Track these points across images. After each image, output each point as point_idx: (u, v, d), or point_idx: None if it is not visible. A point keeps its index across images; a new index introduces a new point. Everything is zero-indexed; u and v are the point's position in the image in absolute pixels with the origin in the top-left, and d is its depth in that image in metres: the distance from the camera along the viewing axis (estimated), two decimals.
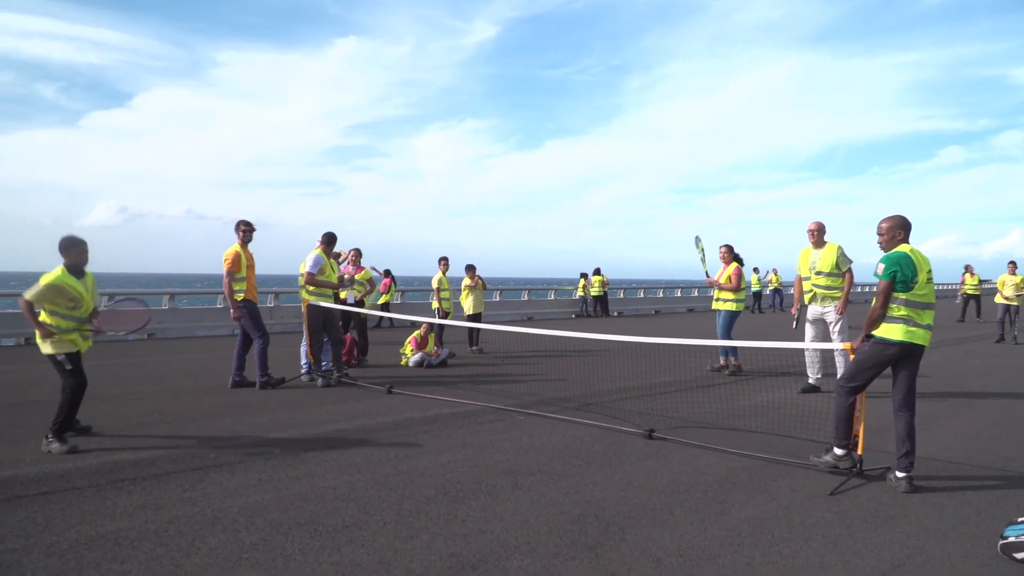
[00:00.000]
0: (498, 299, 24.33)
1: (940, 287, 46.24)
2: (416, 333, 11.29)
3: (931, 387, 8.97)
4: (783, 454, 5.71)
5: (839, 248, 8.39)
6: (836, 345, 7.52)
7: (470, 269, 13.75)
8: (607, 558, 3.70)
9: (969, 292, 22.66)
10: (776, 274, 31.15)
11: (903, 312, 4.92)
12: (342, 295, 10.80)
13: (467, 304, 13.68)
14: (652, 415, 7.31)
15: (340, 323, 9.93)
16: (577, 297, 26.61)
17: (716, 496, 4.74)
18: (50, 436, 5.60)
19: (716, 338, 10.35)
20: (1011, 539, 3.75)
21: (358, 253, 11.73)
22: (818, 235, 8.55)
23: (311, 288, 9.33)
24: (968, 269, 22.94)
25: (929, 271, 5.00)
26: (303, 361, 9.55)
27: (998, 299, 16.32)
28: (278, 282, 27.72)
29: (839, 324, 8.38)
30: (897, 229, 5.12)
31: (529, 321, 23.14)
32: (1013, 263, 16.15)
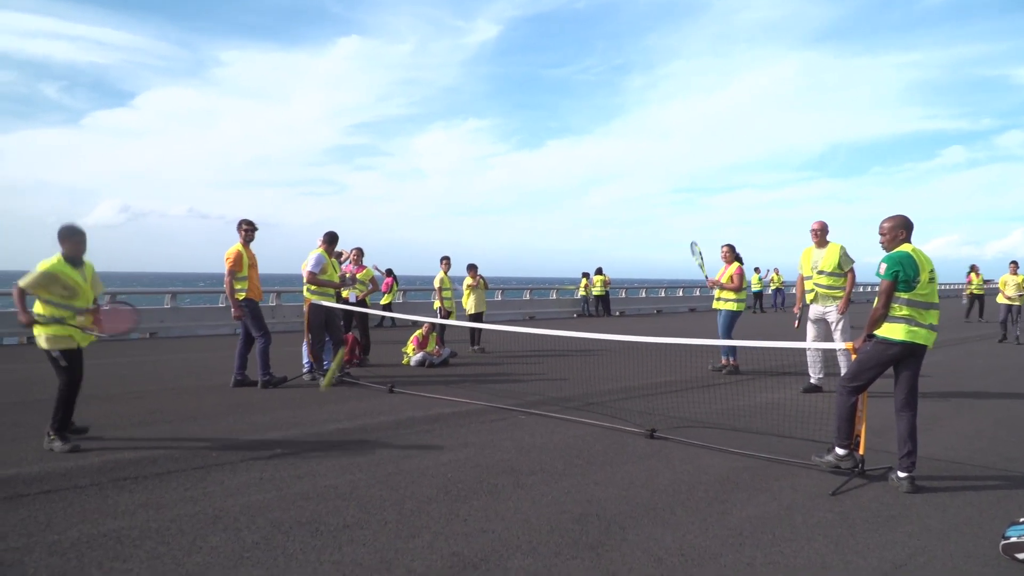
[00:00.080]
0: (500, 298, 24.33)
1: (943, 287, 46.18)
2: (418, 332, 11.29)
3: (933, 387, 8.96)
4: (785, 454, 5.71)
5: (841, 248, 8.38)
6: (838, 345, 7.51)
7: (472, 268, 13.76)
8: (608, 557, 3.70)
9: (974, 292, 22.67)
10: (778, 274, 31.14)
11: (905, 312, 4.92)
12: (344, 294, 10.80)
13: (468, 304, 13.68)
14: (654, 415, 7.31)
15: (342, 322, 9.93)
16: (579, 297, 26.60)
17: (718, 496, 4.73)
18: (52, 434, 5.59)
19: (717, 338, 10.35)
20: (1013, 539, 3.75)
21: (360, 252, 11.73)
22: (821, 235, 8.55)
23: (313, 287, 9.34)
24: (973, 269, 22.95)
25: (931, 271, 4.99)
26: (305, 360, 9.56)
27: (1000, 299, 16.31)
28: (280, 281, 27.75)
29: (841, 324, 8.37)
30: (899, 229, 5.11)
31: (531, 321, 23.14)
32: (1015, 263, 16.14)
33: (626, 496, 4.69)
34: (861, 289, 38.16)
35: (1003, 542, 3.80)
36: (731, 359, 10.62)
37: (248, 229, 8.80)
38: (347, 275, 10.83)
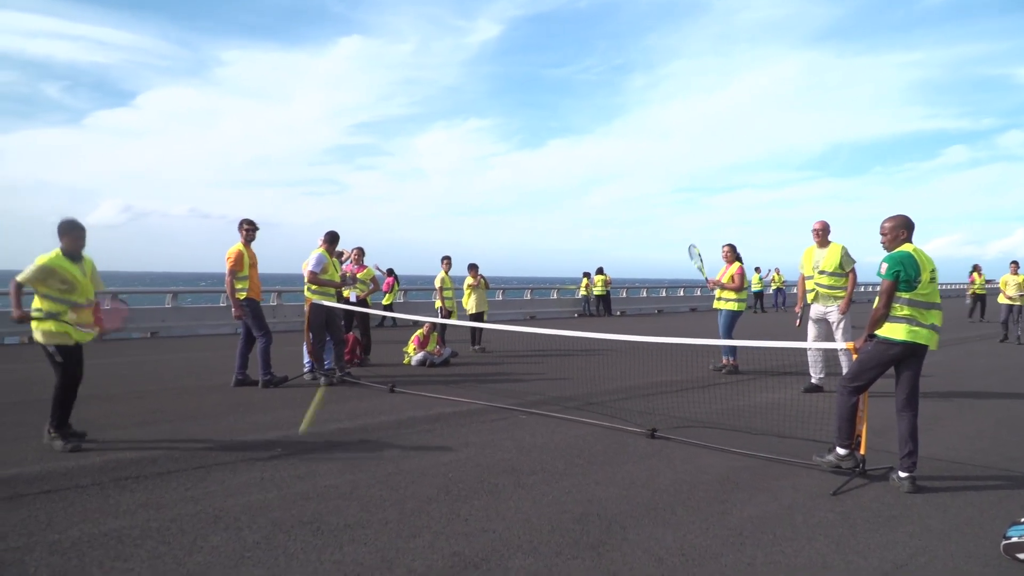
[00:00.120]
0: (501, 298, 24.34)
1: (945, 287, 46.15)
2: (419, 332, 11.30)
3: (934, 387, 8.95)
4: (785, 454, 5.70)
5: (843, 248, 8.38)
6: (839, 345, 7.52)
7: (473, 268, 13.76)
8: (609, 557, 3.70)
9: (977, 292, 22.69)
10: (779, 273, 31.13)
11: (906, 312, 4.91)
12: (345, 293, 10.80)
13: (469, 303, 13.68)
14: (654, 414, 7.30)
15: (343, 322, 9.93)
16: (580, 296, 26.60)
17: (718, 496, 4.73)
18: (52, 432, 5.57)
19: (718, 338, 10.35)
20: (1014, 539, 3.74)
21: (361, 252, 11.73)
22: (822, 234, 8.54)
23: (314, 287, 9.34)
24: (976, 268, 22.97)
25: (933, 270, 4.98)
26: (306, 360, 9.56)
27: (1001, 299, 16.31)
28: (280, 281, 27.76)
29: (842, 324, 8.37)
30: (900, 228, 5.11)
31: (532, 320, 23.13)
32: (1015, 263, 16.14)
33: (627, 496, 4.69)
34: (862, 289, 38.14)
35: (1004, 542, 3.79)
36: (731, 359, 10.62)
37: (249, 229, 8.80)
38: (347, 274, 10.83)
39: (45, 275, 5.49)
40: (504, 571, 3.53)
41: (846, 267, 8.35)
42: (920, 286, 4.89)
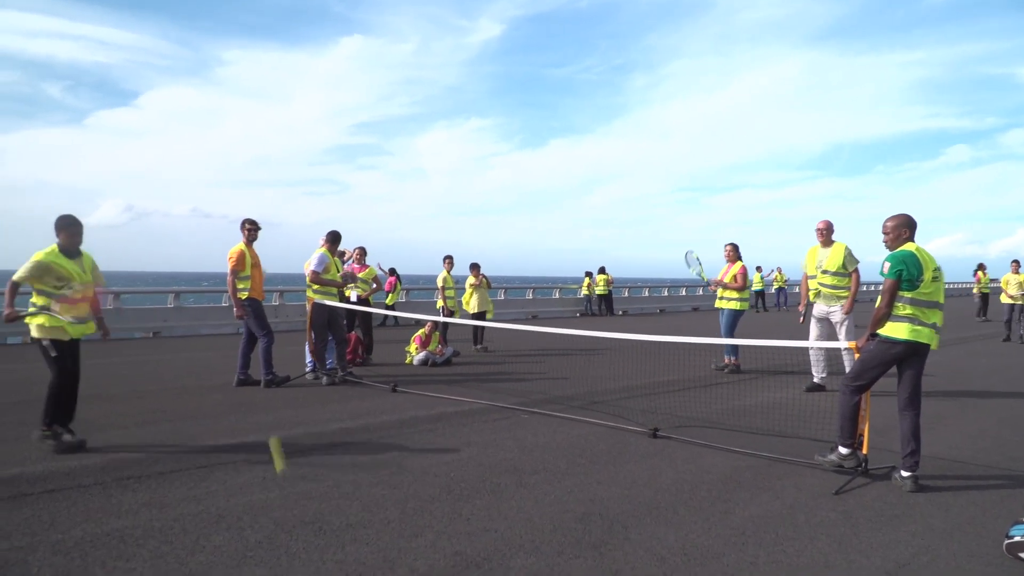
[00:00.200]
0: (503, 298, 24.34)
1: (947, 286, 46.07)
2: (420, 331, 11.30)
3: (936, 386, 8.94)
4: (788, 453, 5.70)
5: (846, 248, 8.37)
6: (842, 344, 7.51)
7: (474, 268, 13.76)
8: (611, 557, 3.70)
9: (982, 291, 22.74)
10: (781, 273, 31.10)
11: (908, 311, 4.91)
12: (347, 292, 10.81)
13: (471, 303, 13.68)
14: (656, 414, 7.30)
15: (344, 321, 9.94)
16: (582, 296, 26.60)
17: (720, 495, 4.73)
18: (45, 429, 5.48)
19: (720, 337, 10.35)
20: (1017, 538, 3.74)
21: (362, 252, 11.74)
22: (826, 234, 8.53)
23: (316, 287, 9.35)
24: (981, 267, 23.00)
25: (935, 270, 4.97)
26: (308, 359, 9.57)
27: (1003, 299, 16.31)
28: (282, 280, 27.79)
29: (845, 324, 8.36)
30: (902, 228, 5.10)
31: (534, 320, 23.13)
32: (1016, 262, 16.13)
33: (629, 495, 4.69)
34: (865, 288, 38.10)
35: (1007, 541, 3.79)
36: (733, 358, 10.61)
37: (251, 229, 8.81)
38: (346, 273, 10.86)
39: (41, 272, 5.44)
40: (506, 570, 3.53)
41: (849, 267, 8.34)
42: (923, 285, 4.88)
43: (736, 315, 10.38)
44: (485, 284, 13.86)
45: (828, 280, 8.42)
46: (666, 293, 30.86)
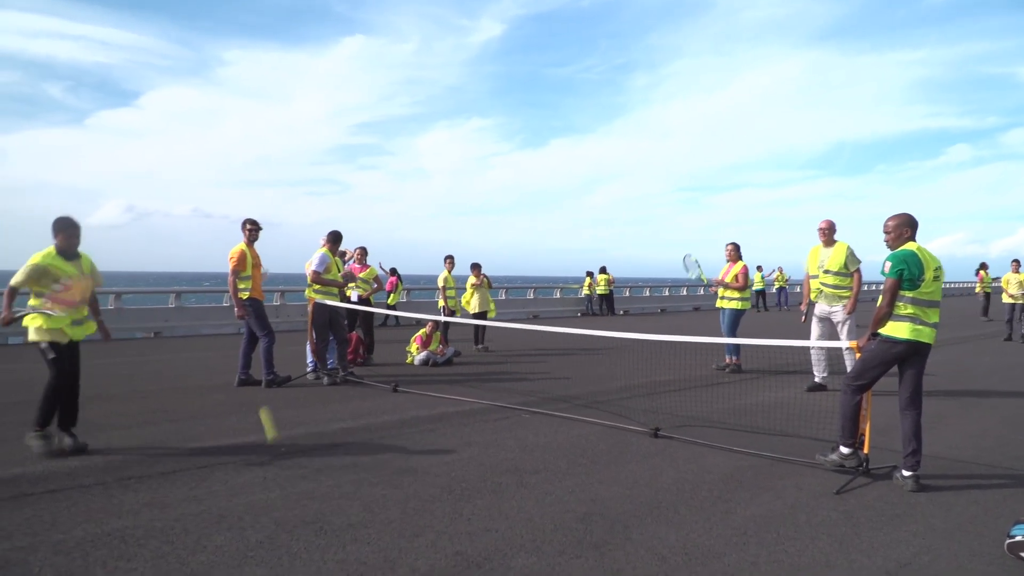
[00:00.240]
0: (504, 297, 24.36)
1: (949, 285, 46.05)
2: (421, 331, 11.30)
3: (938, 386, 8.94)
4: (789, 453, 5.69)
5: (848, 248, 8.36)
6: (843, 343, 7.51)
7: (475, 267, 13.77)
8: (612, 556, 3.70)
9: (985, 290, 22.76)
10: (782, 272, 31.07)
11: (910, 310, 4.90)
12: (347, 292, 10.82)
13: (472, 302, 13.69)
14: (658, 413, 7.30)
15: (346, 321, 9.95)
16: (583, 295, 26.61)
17: (722, 495, 4.73)
18: (37, 430, 5.42)
19: (721, 336, 10.34)
20: (1018, 538, 3.73)
21: (363, 251, 11.75)
22: (828, 233, 8.52)
23: (317, 287, 9.36)
24: (983, 267, 23.02)
25: (936, 269, 4.97)
26: (309, 359, 9.57)
27: (1004, 298, 16.32)
28: (283, 280, 27.80)
29: (847, 324, 8.35)
30: (904, 227, 5.09)
31: (535, 319, 23.13)
32: (1017, 261, 16.13)
33: (630, 495, 4.69)
34: (866, 288, 38.08)
35: (1008, 541, 3.78)
36: (735, 358, 10.60)
37: (252, 229, 8.82)
38: (347, 272, 10.88)
39: (39, 275, 5.36)
40: (507, 570, 3.53)
41: (851, 267, 8.33)
42: (924, 285, 4.87)
43: (738, 314, 10.38)
44: (486, 284, 13.86)
45: (830, 280, 8.41)
46: (667, 293, 30.85)
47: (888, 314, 4.95)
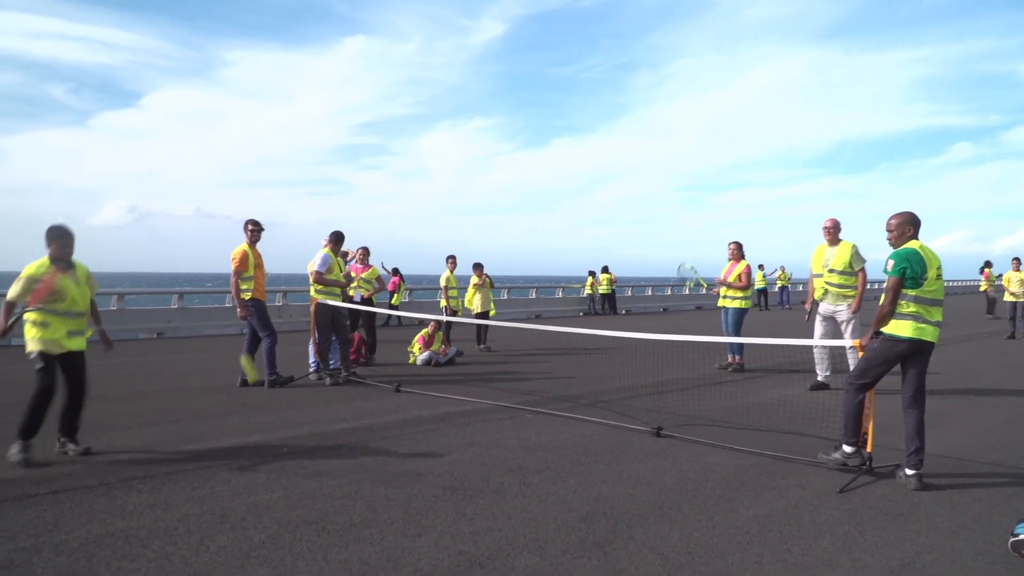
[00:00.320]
0: (506, 297, 24.36)
1: (952, 284, 45.96)
2: (424, 331, 11.31)
3: (942, 384, 8.92)
4: (792, 452, 5.69)
5: (854, 247, 8.34)
6: (846, 342, 7.50)
7: (478, 267, 13.77)
8: (615, 556, 3.69)
9: (991, 288, 22.76)
10: (784, 271, 31.02)
11: (912, 309, 4.89)
12: (349, 292, 10.83)
13: (474, 302, 13.69)
14: (660, 413, 7.29)
15: (348, 322, 9.95)
16: (585, 295, 26.59)
17: (724, 494, 4.72)
18: (16, 441, 5.24)
19: (722, 335, 10.34)
20: (1022, 536, 3.72)
21: (366, 251, 11.75)
22: (833, 232, 8.50)
23: (319, 287, 9.36)
24: (988, 265, 22.99)
25: (939, 267, 4.96)
26: (311, 360, 9.58)
27: (1006, 296, 16.31)
28: (285, 281, 27.83)
29: (851, 323, 8.33)
30: (907, 225, 5.09)
31: (537, 319, 23.12)
32: (1017, 259, 16.12)
33: (633, 494, 4.68)
34: (869, 286, 38.01)
35: (1012, 539, 3.77)
36: (738, 357, 10.59)
37: (254, 229, 8.82)
38: (352, 273, 10.88)
39: (32, 286, 5.25)
40: (510, 570, 3.53)
41: (856, 266, 8.31)
42: (926, 283, 4.87)
43: (741, 313, 10.38)
44: (488, 284, 13.86)
45: (835, 279, 8.39)
46: (669, 292, 30.81)
47: (890, 312, 4.94)
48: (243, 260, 8.60)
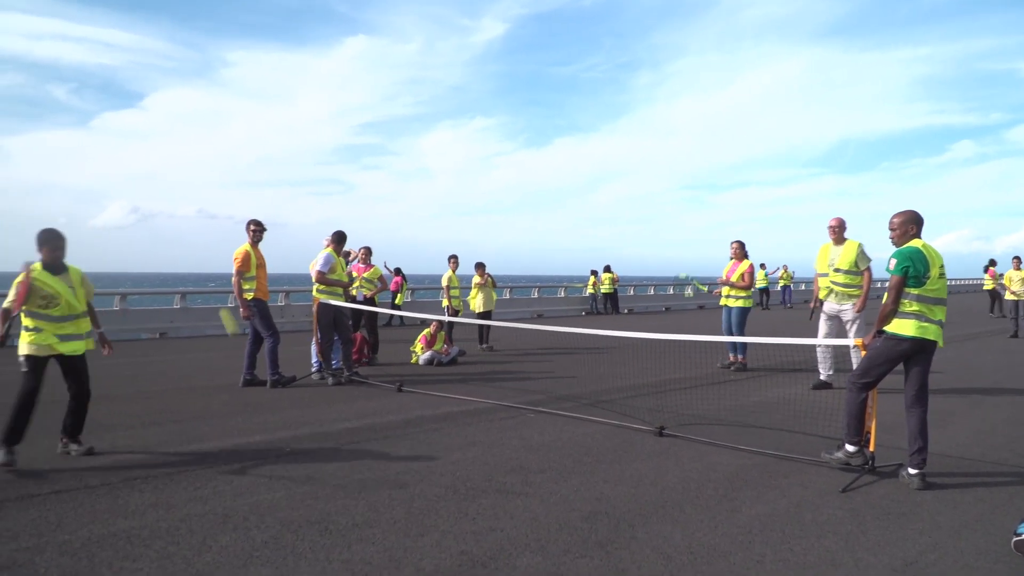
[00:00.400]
0: (508, 296, 24.35)
1: (955, 282, 45.88)
2: (426, 331, 11.31)
3: (944, 383, 8.90)
4: (794, 451, 5.68)
5: (860, 245, 8.32)
6: (848, 341, 7.48)
7: (480, 267, 13.77)
8: (617, 556, 3.69)
9: (994, 287, 22.73)
10: (786, 270, 30.99)
11: (915, 308, 4.88)
12: (351, 292, 10.83)
13: (476, 302, 13.69)
14: (662, 412, 7.29)
15: (350, 321, 9.96)
16: (587, 294, 26.59)
17: (727, 493, 4.72)
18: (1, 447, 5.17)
19: (723, 335, 10.33)
20: None
21: (368, 251, 11.76)
22: (838, 231, 8.48)
23: (321, 287, 9.37)
24: (992, 263, 22.96)
25: (941, 266, 4.96)
26: (314, 360, 9.58)
27: (1008, 295, 16.30)
28: (287, 281, 27.86)
29: (856, 322, 8.32)
30: (909, 224, 5.08)
31: (539, 319, 23.12)
32: (1018, 258, 16.10)
33: (635, 494, 4.68)
34: (873, 285, 37.91)
35: (1015, 539, 3.76)
36: (740, 356, 10.58)
37: (256, 229, 8.83)
38: (353, 273, 10.88)
39: (28, 293, 5.20)
40: (512, 570, 3.53)
41: (861, 265, 8.29)
42: (929, 282, 4.86)
43: (744, 313, 10.36)
44: (490, 283, 13.87)
45: (840, 278, 8.37)
46: (671, 291, 30.79)
47: (893, 311, 4.94)
48: (245, 260, 8.61)
